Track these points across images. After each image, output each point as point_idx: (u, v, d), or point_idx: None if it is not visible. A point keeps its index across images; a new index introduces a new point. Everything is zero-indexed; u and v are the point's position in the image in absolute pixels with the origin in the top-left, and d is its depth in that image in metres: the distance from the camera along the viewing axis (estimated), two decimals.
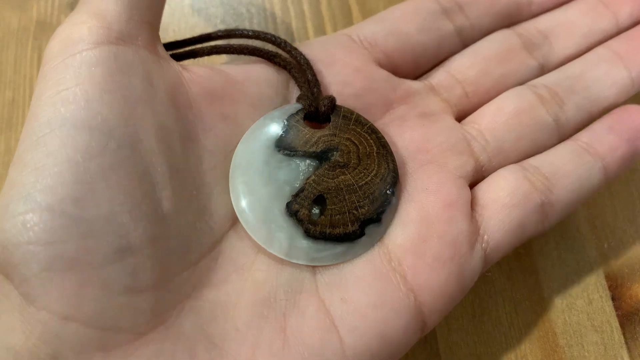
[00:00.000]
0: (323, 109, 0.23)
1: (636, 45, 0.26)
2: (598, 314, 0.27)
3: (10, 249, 0.17)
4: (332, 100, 0.23)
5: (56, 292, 0.17)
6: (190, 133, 0.21)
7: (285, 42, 0.24)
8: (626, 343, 0.26)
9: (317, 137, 0.22)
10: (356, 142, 0.22)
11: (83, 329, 0.17)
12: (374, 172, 0.22)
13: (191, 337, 0.19)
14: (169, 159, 0.20)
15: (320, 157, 0.22)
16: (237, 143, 0.22)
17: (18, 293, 0.17)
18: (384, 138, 0.23)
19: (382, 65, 0.25)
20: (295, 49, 0.24)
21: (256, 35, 0.25)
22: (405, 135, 0.24)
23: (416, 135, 0.24)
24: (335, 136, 0.22)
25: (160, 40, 0.22)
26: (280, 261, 0.21)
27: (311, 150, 0.22)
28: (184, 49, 0.25)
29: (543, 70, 0.27)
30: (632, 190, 0.29)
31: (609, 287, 0.27)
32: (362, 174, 0.22)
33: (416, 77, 0.27)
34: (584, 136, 0.25)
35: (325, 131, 0.22)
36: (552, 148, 0.25)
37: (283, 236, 0.21)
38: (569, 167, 0.24)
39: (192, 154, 0.21)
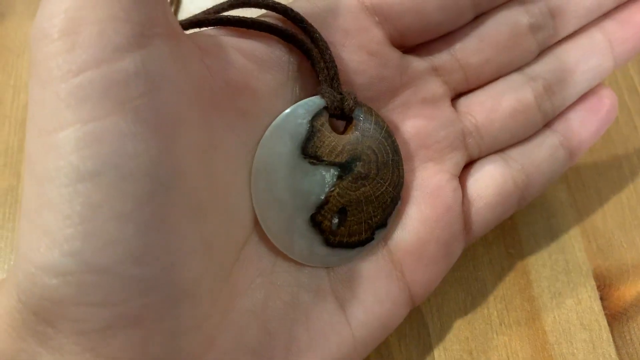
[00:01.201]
0: (348, 109, 0.22)
1: (628, 33, 0.26)
2: (587, 313, 0.27)
3: (66, 306, 0.16)
4: (355, 99, 0.22)
5: (119, 345, 0.16)
6: (216, 137, 0.19)
7: (302, 19, 0.22)
8: (614, 341, 0.27)
9: (342, 145, 0.22)
10: (376, 150, 0.22)
11: None
12: (388, 181, 0.23)
13: (234, 350, 0.19)
14: (207, 177, 0.18)
15: (344, 166, 0.22)
16: (255, 140, 0.21)
17: (68, 340, 0.16)
18: (396, 141, 0.23)
19: (392, 41, 0.24)
20: (316, 30, 0.22)
21: (267, 5, 0.22)
22: (408, 126, 0.24)
23: (419, 127, 0.24)
24: (359, 144, 0.22)
25: (171, 11, 0.18)
26: (299, 263, 0.22)
27: (337, 160, 0.22)
28: (188, 19, 0.22)
29: (540, 50, 0.26)
30: (621, 195, 0.30)
31: (598, 288, 0.28)
32: (379, 184, 0.22)
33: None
34: (560, 126, 0.26)
35: (350, 138, 0.22)
36: (534, 139, 0.26)
37: (304, 244, 0.22)
38: (545, 165, 0.26)
39: (219, 160, 0.19)
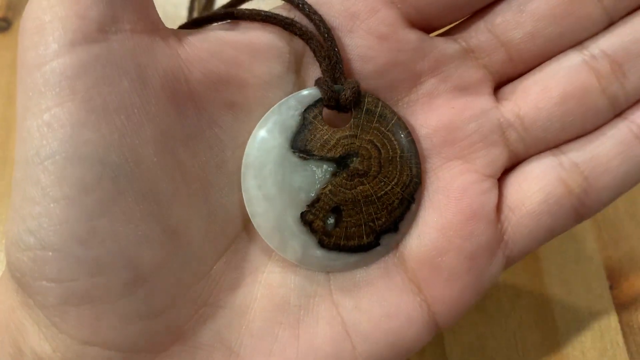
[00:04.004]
0: (345, 101, 0.20)
1: None
2: (596, 301, 0.28)
3: (28, 280, 0.17)
4: (354, 90, 0.20)
5: (73, 322, 0.17)
6: (193, 130, 0.19)
7: (304, 2, 0.20)
8: (622, 330, 0.27)
9: (335, 139, 0.20)
10: (378, 144, 0.21)
11: (103, 351, 0.17)
12: (395, 180, 0.21)
13: (209, 345, 0.19)
14: (172, 167, 0.18)
15: (339, 162, 0.20)
16: (246, 134, 0.20)
17: (41, 312, 0.17)
18: (409, 136, 0.21)
19: (412, 20, 0.21)
20: (316, 13, 0.20)
21: None
22: (432, 120, 0.21)
23: (444, 121, 0.21)
24: (356, 138, 0.20)
25: (152, 5, 0.19)
26: (295, 265, 0.21)
27: (329, 155, 0.20)
28: (190, 20, 0.22)
29: (612, 19, 0.21)
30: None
31: (608, 277, 0.28)
32: (382, 183, 0.20)
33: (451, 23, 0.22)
34: (637, 115, 0.21)
35: (346, 131, 0.20)
36: (599, 132, 0.21)
37: (297, 244, 0.20)
38: (614, 164, 0.21)
39: (197, 153, 0.19)
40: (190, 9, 0.35)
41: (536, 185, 0.21)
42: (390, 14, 0.21)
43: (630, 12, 0.21)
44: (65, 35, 0.16)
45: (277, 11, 0.21)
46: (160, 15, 0.19)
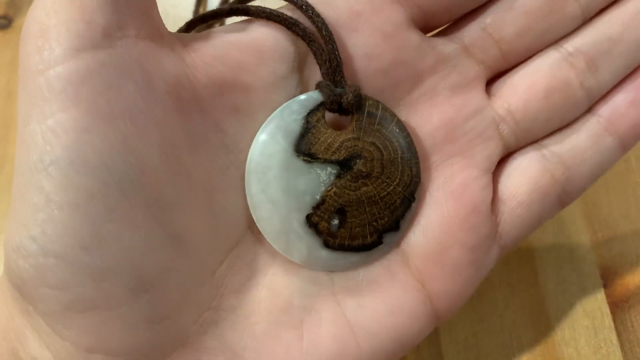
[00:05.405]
0: (347, 104, 0.20)
1: None
2: (590, 300, 0.28)
3: (29, 287, 0.17)
4: (356, 94, 0.20)
5: (77, 329, 0.17)
6: (197, 135, 0.19)
7: (307, 4, 0.20)
8: (616, 328, 0.27)
9: (339, 141, 0.20)
10: (380, 146, 0.21)
11: (107, 358, 0.17)
12: (397, 180, 0.21)
13: (213, 348, 0.19)
14: (177, 173, 0.18)
15: (342, 164, 0.21)
16: (250, 138, 0.20)
17: (42, 320, 0.17)
18: (409, 137, 0.21)
19: (414, 20, 0.22)
20: (319, 15, 0.20)
21: None
22: (433, 117, 0.22)
23: (445, 119, 0.22)
24: (359, 140, 0.21)
25: (157, 10, 0.19)
26: (297, 264, 0.21)
27: (333, 157, 0.20)
28: (199, 16, 0.23)
29: (585, 18, 0.23)
30: (627, 187, 0.31)
31: (601, 276, 0.29)
32: (385, 184, 0.21)
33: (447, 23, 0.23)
34: (605, 110, 0.23)
35: (349, 134, 0.21)
36: (574, 124, 0.23)
37: (302, 246, 0.20)
38: (589, 154, 0.23)
39: (201, 158, 0.19)
40: (196, 14, 0.36)
41: (525, 177, 0.22)
42: (395, 13, 0.21)
43: (600, 11, 0.23)
44: (71, 40, 0.16)
45: (281, 11, 0.21)
46: (161, 14, 0.19)
